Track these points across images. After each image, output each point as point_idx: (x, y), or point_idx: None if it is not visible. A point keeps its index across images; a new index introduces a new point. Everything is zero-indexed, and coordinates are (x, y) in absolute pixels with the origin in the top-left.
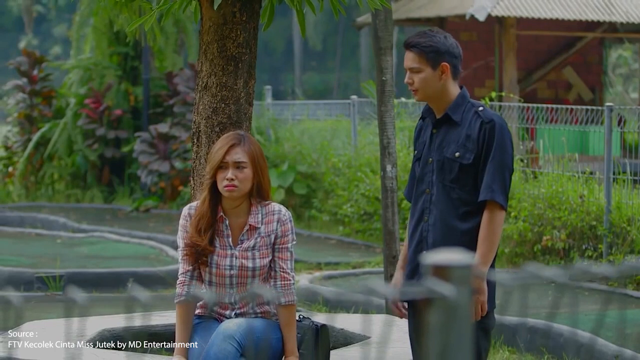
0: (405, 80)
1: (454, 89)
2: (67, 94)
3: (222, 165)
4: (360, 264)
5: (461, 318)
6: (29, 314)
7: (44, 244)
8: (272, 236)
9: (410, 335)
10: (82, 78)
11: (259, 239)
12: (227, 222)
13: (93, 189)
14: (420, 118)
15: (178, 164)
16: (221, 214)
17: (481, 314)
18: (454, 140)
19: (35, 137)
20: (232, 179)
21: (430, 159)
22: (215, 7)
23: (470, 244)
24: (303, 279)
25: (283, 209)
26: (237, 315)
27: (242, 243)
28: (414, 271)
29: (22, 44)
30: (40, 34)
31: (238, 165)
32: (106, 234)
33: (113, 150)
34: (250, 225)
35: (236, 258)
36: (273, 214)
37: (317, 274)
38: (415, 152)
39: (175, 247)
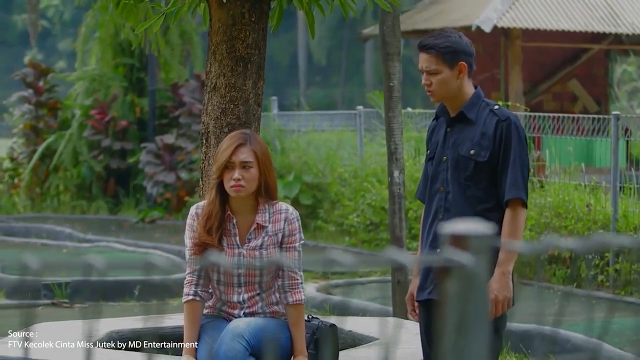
0: (423, 82)
1: (469, 88)
2: (73, 105)
3: (228, 166)
4: (367, 273)
5: (479, 287)
6: (37, 320)
7: (50, 254)
8: (280, 235)
9: (421, 336)
10: (87, 89)
11: (266, 238)
12: (235, 220)
13: (98, 200)
14: (434, 118)
15: (184, 175)
16: (228, 212)
17: (503, 311)
18: (469, 139)
19: (40, 149)
20: (238, 179)
21: (445, 158)
22: (225, 0)
23: None
24: (310, 288)
25: (290, 208)
26: (245, 315)
27: (249, 242)
28: (429, 268)
29: (26, 59)
30: (44, 49)
31: (244, 165)
32: (112, 244)
33: (118, 162)
34: (257, 224)
35: (244, 257)
36: (280, 213)
37: (324, 282)
38: (428, 151)
39: (182, 257)
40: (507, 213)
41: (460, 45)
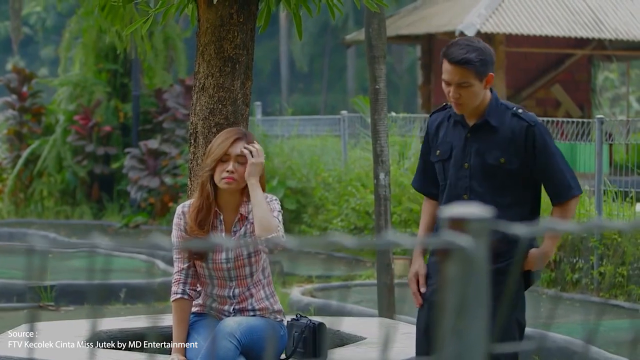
0: (452, 94)
1: (488, 93)
2: (57, 110)
3: (223, 158)
4: (352, 277)
5: (478, 269)
6: (23, 323)
7: (35, 258)
8: None
9: (418, 334)
10: (71, 95)
11: (248, 225)
12: (222, 217)
13: (82, 205)
14: (437, 110)
15: (168, 180)
16: (216, 208)
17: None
18: (495, 146)
19: (24, 154)
20: (232, 172)
21: (467, 164)
22: (215, 1)
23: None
24: (294, 291)
25: (269, 195)
26: (235, 310)
27: (235, 234)
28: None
29: (9, 66)
30: (27, 56)
31: (239, 160)
32: (97, 249)
33: (102, 167)
34: (240, 214)
35: (231, 250)
36: None
37: (309, 286)
38: (438, 152)
39: (166, 261)
40: (563, 208)
41: (490, 55)
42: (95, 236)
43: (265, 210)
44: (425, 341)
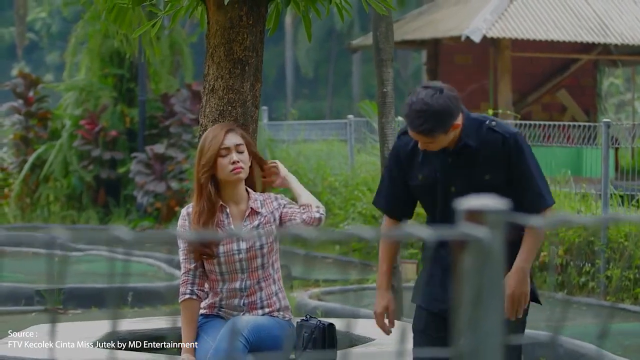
0: (420, 146)
1: (459, 120)
2: (63, 115)
3: (222, 153)
4: (358, 281)
5: (494, 261)
6: (31, 325)
7: (42, 262)
8: (276, 214)
9: (419, 338)
10: (77, 99)
11: (262, 219)
12: (228, 210)
13: (89, 210)
14: (404, 133)
15: (174, 185)
16: (221, 203)
17: (519, 306)
18: (477, 164)
19: (30, 159)
20: (237, 161)
21: (453, 188)
22: (226, 2)
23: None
24: (302, 295)
25: (279, 195)
26: (244, 305)
27: (246, 226)
28: (447, 279)
29: (14, 71)
30: (32, 62)
31: (238, 149)
32: (103, 252)
33: (108, 172)
34: (251, 208)
35: (242, 240)
36: (271, 200)
37: (316, 289)
38: (421, 176)
39: (174, 265)
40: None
41: (452, 107)
42: (115, 228)
43: (309, 193)
44: (424, 341)
